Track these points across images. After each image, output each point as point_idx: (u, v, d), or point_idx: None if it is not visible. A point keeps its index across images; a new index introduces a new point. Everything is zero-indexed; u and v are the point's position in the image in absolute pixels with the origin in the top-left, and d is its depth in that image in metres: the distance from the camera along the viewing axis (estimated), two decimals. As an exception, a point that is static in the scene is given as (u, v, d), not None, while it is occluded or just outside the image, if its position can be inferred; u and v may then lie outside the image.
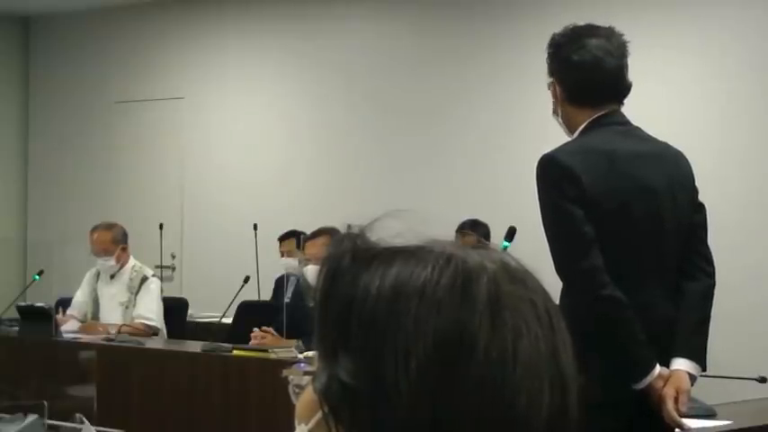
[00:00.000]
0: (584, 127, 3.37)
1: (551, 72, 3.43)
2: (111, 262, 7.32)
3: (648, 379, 3.19)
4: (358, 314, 0.99)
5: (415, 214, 1.04)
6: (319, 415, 1.00)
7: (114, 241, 7.34)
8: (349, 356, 0.98)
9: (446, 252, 1.01)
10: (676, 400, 3.18)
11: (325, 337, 1.02)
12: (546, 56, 3.47)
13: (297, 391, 1.06)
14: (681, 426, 3.27)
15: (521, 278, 1.01)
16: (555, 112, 3.45)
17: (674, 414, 3.17)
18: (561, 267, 3.23)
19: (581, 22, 3.48)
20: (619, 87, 3.40)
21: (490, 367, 0.96)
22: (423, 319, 0.97)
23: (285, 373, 1.08)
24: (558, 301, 3.39)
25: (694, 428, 3.58)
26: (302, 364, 1.08)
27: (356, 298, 1.00)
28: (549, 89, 3.47)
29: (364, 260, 1.02)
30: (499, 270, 1.00)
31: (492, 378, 0.96)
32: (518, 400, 0.97)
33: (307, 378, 1.04)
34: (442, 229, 1.05)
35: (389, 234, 1.05)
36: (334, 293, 1.02)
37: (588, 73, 3.35)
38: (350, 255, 1.03)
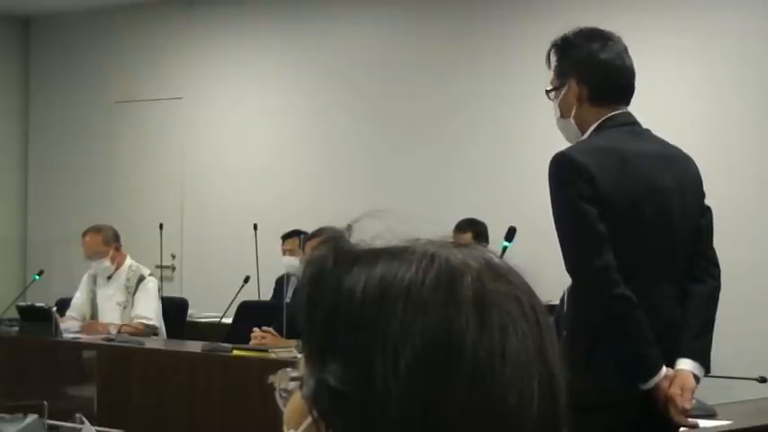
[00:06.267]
0: (595, 126, 3.36)
1: (567, 72, 3.37)
2: (106, 263, 7.31)
3: (656, 379, 3.19)
4: (344, 318, 0.98)
5: (395, 213, 1.04)
6: (309, 421, 1.00)
7: (105, 242, 7.33)
8: (337, 361, 0.98)
9: (429, 252, 1.00)
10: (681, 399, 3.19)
11: (312, 342, 1.01)
12: (554, 57, 3.41)
13: (284, 395, 1.05)
14: (688, 424, 3.28)
15: (505, 275, 1.01)
16: (564, 115, 3.40)
17: (681, 413, 3.18)
18: (574, 266, 3.22)
19: (587, 23, 3.49)
20: (632, 88, 3.42)
21: (479, 366, 0.96)
22: (410, 321, 0.96)
23: (271, 378, 1.07)
24: (564, 297, 3.40)
25: (695, 428, 3.59)
26: (289, 369, 1.06)
27: (341, 302, 0.99)
28: (555, 92, 3.41)
29: (346, 263, 1.01)
30: (483, 268, 1.00)
31: (482, 377, 0.96)
32: (508, 399, 0.96)
33: (294, 382, 1.03)
34: (431, 229, 1.05)
35: (370, 235, 1.04)
36: (318, 298, 1.01)
37: (614, 71, 3.37)
38: (332, 258, 1.02)
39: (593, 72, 3.36)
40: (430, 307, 0.96)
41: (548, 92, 3.46)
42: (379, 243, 1.03)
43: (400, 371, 0.95)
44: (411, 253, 1.00)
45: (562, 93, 3.39)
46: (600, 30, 3.44)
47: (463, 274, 0.98)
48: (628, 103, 3.42)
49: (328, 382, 0.97)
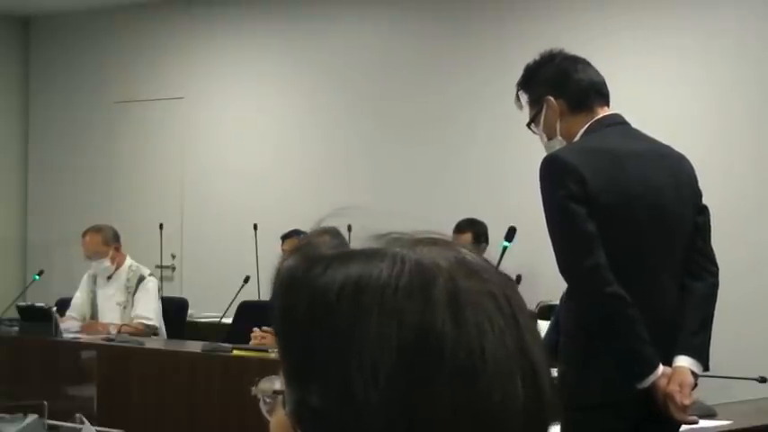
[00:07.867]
0: (586, 128, 3.38)
1: (541, 95, 3.45)
2: (106, 263, 7.32)
3: (652, 378, 3.18)
4: (319, 331, 0.97)
5: (364, 210, 1.03)
6: None
7: (105, 242, 7.34)
8: (315, 377, 0.96)
9: (399, 255, 0.98)
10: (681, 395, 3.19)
11: (289, 356, 1.00)
12: (522, 93, 3.52)
13: (268, 400, 1.04)
14: (689, 421, 3.27)
15: (477, 272, 0.99)
16: (550, 136, 3.45)
17: (681, 409, 3.18)
18: (565, 267, 3.23)
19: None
20: (606, 89, 3.46)
21: (460, 368, 0.94)
22: (385, 330, 0.95)
23: (254, 391, 1.06)
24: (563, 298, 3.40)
25: (695, 428, 3.59)
26: (274, 376, 1.06)
27: (315, 315, 0.97)
28: (535, 121, 3.48)
29: (317, 269, 0.99)
30: (454, 266, 0.98)
31: (463, 379, 0.95)
32: (492, 397, 0.95)
33: (277, 395, 1.02)
34: (406, 225, 1.04)
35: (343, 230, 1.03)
36: (289, 310, 0.99)
37: (584, 75, 3.42)
38: (302, 266, 1.00)
39: (565, 82, 3.42)
40: (405, 314, 0.95)
41: (529, 125, 3.53)
42: (354, 244, 1.01)
43: (380, 382, 0.94)
44: (382, 256, 0.98)
45: (542, 117, 3.45)
46: (554, 50, 3.52)
47: (435, 276, 0.97)
48: (608, 104, 3.44)
49: (308, 402, 0.96)
